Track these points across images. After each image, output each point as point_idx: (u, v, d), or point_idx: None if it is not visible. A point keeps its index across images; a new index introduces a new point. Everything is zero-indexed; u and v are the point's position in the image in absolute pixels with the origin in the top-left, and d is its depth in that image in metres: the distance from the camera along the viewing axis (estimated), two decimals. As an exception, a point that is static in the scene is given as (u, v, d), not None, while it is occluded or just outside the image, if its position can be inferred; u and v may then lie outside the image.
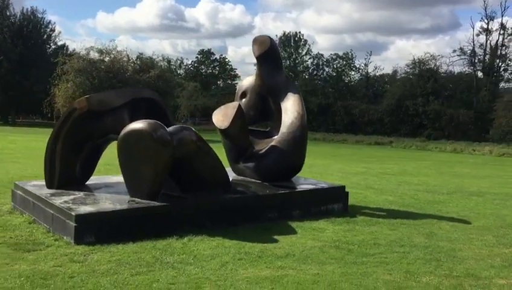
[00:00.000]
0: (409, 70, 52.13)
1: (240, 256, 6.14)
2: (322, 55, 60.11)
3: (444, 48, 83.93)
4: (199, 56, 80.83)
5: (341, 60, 59.21)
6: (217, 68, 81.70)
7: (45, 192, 7.73)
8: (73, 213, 6.50)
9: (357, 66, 58.92)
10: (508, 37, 48.49)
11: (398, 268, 5.96)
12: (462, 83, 50.69)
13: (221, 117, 9.36)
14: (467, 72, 51.11)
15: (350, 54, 59.72)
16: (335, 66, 59.46)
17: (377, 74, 58.94)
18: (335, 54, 60.04)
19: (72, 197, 7.44)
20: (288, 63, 61.92)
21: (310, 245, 6.80)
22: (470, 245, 7.25)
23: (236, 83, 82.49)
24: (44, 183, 8.43)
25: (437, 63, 50.79)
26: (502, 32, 48.44)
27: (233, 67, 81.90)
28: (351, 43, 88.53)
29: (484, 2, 48.74)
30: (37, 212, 7.47)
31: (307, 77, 60.20)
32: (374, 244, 7.04)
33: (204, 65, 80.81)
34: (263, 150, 9.53)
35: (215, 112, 9.57)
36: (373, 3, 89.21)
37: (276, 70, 9.86)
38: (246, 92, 10.25)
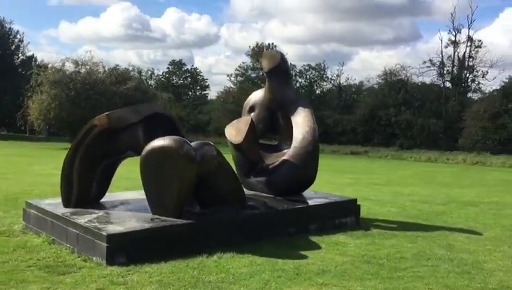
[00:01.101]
0: (380, 80, 53.16)
1: (278, 274, 6.13)
2: (294, 66, 60.60)
3: (405, 59, 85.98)
4: (170, 67, 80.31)
5: (313, 71, 59.89)
6: (189, 79, 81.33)
7: (64, 211, 7.54)
8: (104, 233, 6.37)
9: (329, 76, 59.64)
10: (475, 49, 50.09)
11: (435, 282, 6.05)
12: (431, 93, 51.93)
13: (234, 132, 9.36)
14: (436, 82, 52.45)
15: (322, 64, 60.53)
16: (308, 76, 60.07)
17: (350, 84, 59.75)
18: (307, 64, 60.75)
19: (94, 216, 7.29)
20: (261, 73, 62.13)
21: (340, 260, 6.84)
22: (490, 257, 7.42)
23: (207, 94, 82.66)
24: (57, 201, 8.26)
25: (407, 74, 51.98)
26: (469, 44, 50.02)
27: (204, 77, 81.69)
28: (316, 53, 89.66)
29: (451, 15, 50.22)
30: (57, 232, 7.27)
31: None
32: (400, 258, 7.13)
33: (175, 76, 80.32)
34: (275, 164, 9.55)
35: (227, 126, 9.59)
36: (337, 15, 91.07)
37: (286, 85, 9.94)
38: (254, 106, 10.28)
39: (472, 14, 53.65)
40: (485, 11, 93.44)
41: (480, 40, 50.29)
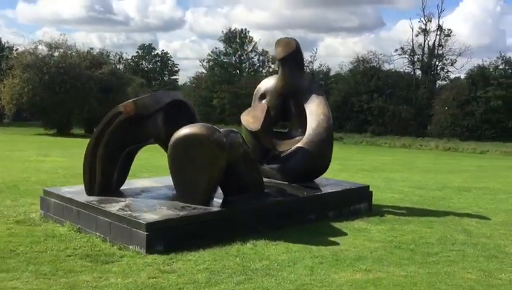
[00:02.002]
0: (352, 67, 53.71)
1: (319, 260, 6.22)
2: (267, 52, 60.54)
3: (369, 46, 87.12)
4: (139, 51, 78.97)
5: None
6: (159, 63, 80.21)
7: (89, 199, 7.42)
8: (142, 221, 6.31)
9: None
10: (445, 38, 51.17)
11: (470, 266, 6.26)
12: (402, 80, 52.85)
13: (252, 119, 9.36)
14: (406, 70, 53.42)
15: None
16: (280, 62, 60.08)
17: (324, 70, 60.04)
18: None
19: (122, 204, 7.21)
20: (233, 59, 61.95)
21: (371, 246, 6.99)
22: (508, 241, 7.70)
23: (178, 79, 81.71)
24: (76, 189, 8.16)
25: (379, 62, 52.71)
26: (438, 33, 51.07)
27: (175, 62, 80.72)
28: (268, 39, 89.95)
29: (422, 3, 51.18)
30: (84, 220, 7.15)
31: (253, 73, 60.40)
32: (426, 243, 7.33)
33: (145, 60, 79.06)
34: (289, 151, 9.60)
35: (243, 113, 9.59)
36: (303, 1, 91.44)
37: (299, 72, 9.96)
38: (265, 93, 10.26)
39: (442, 3, 54.69)
40: (447, 0, 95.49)
41: (449, 29, 51.42)
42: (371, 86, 50.03)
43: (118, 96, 37.57)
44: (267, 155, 9.80)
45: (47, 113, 33.67)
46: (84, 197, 7.55)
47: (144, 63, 79.57)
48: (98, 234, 6.87)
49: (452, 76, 52.48)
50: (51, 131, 35.74)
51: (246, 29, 62.22)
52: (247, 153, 8.02)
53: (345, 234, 7.69)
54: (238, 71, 61.79)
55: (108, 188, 7.82)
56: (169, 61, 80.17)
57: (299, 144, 9.52)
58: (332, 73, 59.93)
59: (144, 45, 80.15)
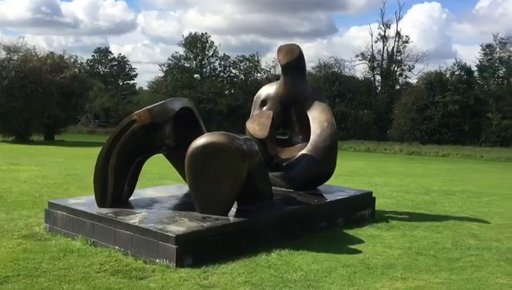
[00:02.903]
0: (314, 72, 54.35)
1: (352, 269, 6.17)
2: (228, 56, 60.52)
3: (322, 51, 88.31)
4: (95, 54, 77.29)
5: (247, 62, 60.02)
6: (115, 67, 78.69)
7: (102, 211, 7.13)
8: (171, 234, 6.10)
9: (264, 67, 60.12)
10: (403, 44, 52.61)
11: (496, 271, 6.36)
12: (362, 86, 53.94)
13: (258, 126, 9.27)
14: (367, 75, 54.55)
15: (256, 56, 60.85)
16: (242, 67, 60.14)
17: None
18: (241, 55, 60.81)
19: (139, 215, 6.96)
20: (194, 64, 61.48)
21: (394, 254, 7.01)
22: (518, 244, 7.93)
23: (136, 83, 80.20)
24: (82, 201, 7.86)
25: (340, 67, 53.61)
26: (397, 39, 52.46)
27: (132, 66, 79.41)
28: (235, 44, 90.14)
29: (381, 11, 52.43)
30: (99, 234, 6.86)
31: (214, 78, 60.16)
32: (443, 248, 7.43)
33: (101, 64, 77.39)
34: (293, 159, 9.55)
35: (248, 121, 9.50)
36: (255, 6, 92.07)
37: (301, 79, 9.93)
38: (266, 100, 10.19)
39: (400, 10, 56.33)
40: (396, 7, 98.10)
41: (407, 36, 52.89)
42: (333, 91, 50.79)
43: (81, 101, 36.68)
44: (270, 162, 9.72)
45: (5, 120, 32.32)
46: (96, 209, 7.25)
47: (99, 67, 77.93)
48: (117, 247, 6.59)
49: (410, 81, 53.99)
50: (9, 138, 34.34)
51: (206, 33, 61.97)
52: (261, 161, 7.92)
53: (362, 241, 7.69)
54: (199, 76, 61.35)
55: (119, 199, 7.56)
56: (127, 65, 78.82)
57: (303, 151, 9.48)
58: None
59: (100, 48, 78.60)
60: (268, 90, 10.31)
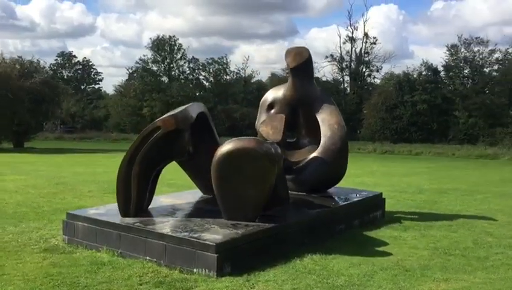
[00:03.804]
0: (284, 74, 54.59)
1: (392, 272, 6.16)
2: (197, 59, 60.09)
3: (283, 53, 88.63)
4: (59, 58, 75.55)
5: (216, 64, 59.80)
6: (79, 72, 77.12)
7: (129, 221, 6.92)
8: (210, 243, 5.97)
9: (234, 70, 60.00)
10: (371, 45, 53.47)
11: (528, 268, 6.52)
12: (332, 86, 54.52)
13: (271, 130, 9.16)
14: (336, 76, 55.19)
15: (224, 58, 60.72)
16: (211, 70, 59.85)
17: (255, 77, 60.64)
18: (211, 58, 60.49)
19: (168, 224, 6.80)
20: (162, 67, 60.76)
21: (424, 254, 7.07)
22: (533, 240, 8.12)
23: (101, 87, 78.55)
24: (101, 211, 7.62)
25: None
26: (365, 40, 53.29)
27: (98, 70, 77.97)
28: (197, 46, 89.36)
29: (349, 12, 53.15)
30: (127, 244, 6.64)
31: (183, 81, 59.63)
32: (466, 247, 7.53)
33: (65, 68, 75.68)
34: (304, 162, 9.53)
35: (261, 124, 9.38)
36: (216, 8, 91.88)
37: (310, 82, 9.93)
38: (273, 103, 10.14)
39: (366, 13, 57.14)
40: (354, 8, 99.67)
41: (375, 37, 53.76)
42: (304, 92, 51.07)
43: (52, 107, 35.70)
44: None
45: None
46: (120, 219, 7.04)
47: (63, 71, 76.21)
48: (148, 258, 6.40)
49: (378, 82, 54.91)
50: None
51: (174, 36, 61.35)
52: (282, 165, 7.87)
53: (386, 243, 7.72)
54: (168, 79, 60.69)
55: (142, 208, 7.36)
56: (92, 69, 77.35)
57: (314, 154, 9.46)
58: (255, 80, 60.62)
59: (64, 52, 76.87)
60: (275, 93, 10.26)
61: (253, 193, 6.94)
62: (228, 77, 60.49)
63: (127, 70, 66.03)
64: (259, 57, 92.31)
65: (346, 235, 8.18)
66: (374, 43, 53.20)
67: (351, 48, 53.85)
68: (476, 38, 47.29)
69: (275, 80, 58.01)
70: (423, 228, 8.80)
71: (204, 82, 60.82)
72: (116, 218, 7.09)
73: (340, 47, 53.61)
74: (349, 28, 53.68)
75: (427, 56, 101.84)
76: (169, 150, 7.36)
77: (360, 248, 7.34)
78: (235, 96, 57.44)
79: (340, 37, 53.75)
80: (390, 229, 8.66)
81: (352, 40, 53.57)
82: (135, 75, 65.05)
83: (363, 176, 19.01)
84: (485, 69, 47.54)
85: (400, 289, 5.58)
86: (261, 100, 10.50)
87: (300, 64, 9.58)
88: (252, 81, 61.72)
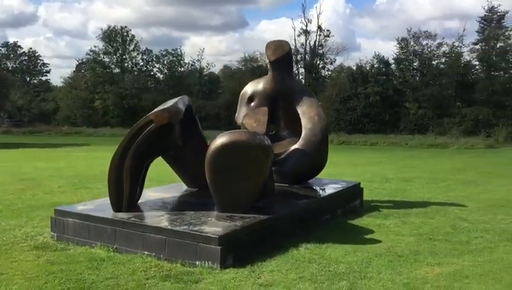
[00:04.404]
0: (240, 66, 54.71)
1: (387, 258, 6.41)
2: (151, 51, 59.08)
3: (234, 45, 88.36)
4: (3, 49, 72.35)
5: (170, 56, 59.00)
6: (25, 63, 74.22)
7: (122, 216, 6.86)
8: (213, 235, 6.02)
9: (189, 62, 59.35)
10: (324, 38, 54.19)
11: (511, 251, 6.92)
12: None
13: (254, 123, 9.24)
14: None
15: (179, 50, 59.96)
16: (165, 62, 59.00)
17: (210, 68, 60.22)
18: (164, 50, 59.56)
19: (163, 218, 6.81)
20: (115, 58, 59.36)
21: (410, 240, 7.37)
22: (508, 225, 8.58)
23: (49, 79, 75.84)
24: (91, 207, 7.50)
25: (266, 60, 54.22)
26: (319, 33, 53.98)
27: (45, 62, 75.28)
28: (145, 37, 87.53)
29: (303, 5, 53.69)
30: (123, 240, 6.59)
31: (136, 73, 58.51)
32: (449, 233, 7.90)
33: (9, 59, 72.61)
34: (286, 154, 9.68)
35: (244, 117, 9.43)
36: None
37: (289, 75, 10.09)
38: (252, 96, 10.23)
39: (320, 6, 57.90)
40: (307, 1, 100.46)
41: (328, 30, 54.51)
42: (259, 85, 51.31)
43: (0, 100, 34.31)
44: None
45: None
46: (112, 214, 6.97)
47: (7, 62, 73.14)
48: (146, 253, 6.38)
49: (332, 74, 55.76)
50: None
51: (126, 27, 59.96)
52: (272, 157, 7.98)
53: (372, 231, 7.99)
54: (120, 71, 59.39)
55: (133, 202, 7.31)
56: (39, 60, 74.64)
57: (295, 146, 9.64)
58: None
59: (8, 42, 73.74)
60: (254, 86, 10.35)
61: (247, 185, 7.03)
62: (183, 69, 59.79)
63: (77, 61, 64.07)
64: (210, 49, 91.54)
65: (332, 224, 8.41)
66: (328, 36, 53.97)
67: (305, 41, 54.43)
68: (425, 32, 48.88)
69: (228, 72, 58.16)
70: (402, 215, 9.15)
71: (158, 74, 59.92)
72: (109, 213, 7.01)
73: (295, 40, 54.05)
74: (303, 20, 54.16)
75: (373, 49, 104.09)
76: (161, 143, 7.33)
77: (349, 236, 7.58)
78: (191, 89, 56.87)
79: (294, 29, 54.20)
80: (371, 218, 8.96)
81: (306, 32, 54.12)
82: (83, 66, 63.29)
83: (329, 167, 19.28)
84: (433, 62, 49.16)
85: (399, 274, 5.81)
86: (241, 93, 10.57)
87: (281, 58, 9.70)
88: (204, 73, 61.30)
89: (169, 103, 7.65)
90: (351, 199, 9.62)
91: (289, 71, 10.08)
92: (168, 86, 56.32)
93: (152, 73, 59.79)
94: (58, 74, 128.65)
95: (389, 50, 70.76)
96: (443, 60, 48.48)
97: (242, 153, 6.89)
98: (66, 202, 10.15)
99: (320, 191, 9.16)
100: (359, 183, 10.41)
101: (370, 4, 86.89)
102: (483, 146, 33.52)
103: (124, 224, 6.64)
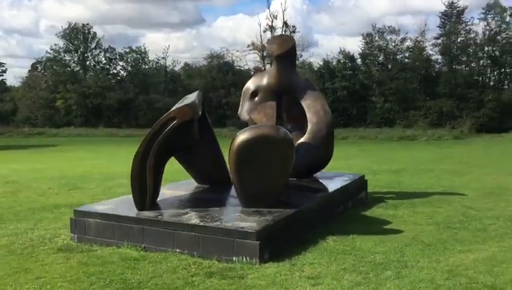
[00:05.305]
0: (206, 63, 54.30)
1: (417, 247, 6.52)
2: (114, 49, 57.89)
3: (192, 42, 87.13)
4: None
5: (134, 54, 58.01)
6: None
7: (148, 214, 6.72)
8: (250, 230, 5.98)
9: (154, 60, 58.46)
10: (290, 34, 54.40)
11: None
12: (254, 75, 55.06)
13: (264, 117, 9.28)
14: (258, 65, 55.65)
15: (143, 47, 59.01)
16: (129, 60, 57.96)
17: (175, 68, 59.49)
18: (128, 47, 58.49)
19: (191, 215, 6.69)
20: (76, 57, 57.92)
21: (431, 229, 7.52)
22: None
23: (5, 79, 73.14)
24: (110, 206, 7.32)
25: (232, 57, 54.14)
26: (285, 29, 54.20)
27: (1, 62, 72.61)
28: (100, 35, 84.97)
29: (268, 1, 53.72)
30: (152, 238, 6.46)
31: (99, 71, 57.26)
32: (462, 221, 8.07)
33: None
34: (293, 148, 9.68)
35: (253, 112, 9.42)
36: None
37: (293, 69, 10.08)
38: (256, 91, 10.18)
39: (285, 2, 58.13)
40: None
41: (294, 26, 54.86)
42: (227, 81, 51.17)
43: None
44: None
45: None
46: (135, 213, 6.82)
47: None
48: (178, 250, 6.28)
49: (300, 71, 56.10)
50: None
51: (88, 24, 58.63)
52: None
53: (389, 221, 8.10)
54: (82, 69, 58.01)
55: (154, 200, 7.18)
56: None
57: (302, 140, 9.64)
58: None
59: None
60: (257, 81, 10.30)
61: (272, 179, 7.01)
62: (147, 67, 58.87)
63: (38, 60, 62.10)
64: (165, 46, 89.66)
65: (345, 216, 8.49)
66: (293, 32, 54.27)
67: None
68: (389, 27, 49.85)
69: (190, 70, 57.72)
70: (410, 206, 9.32)
71: (122, 72, 58.82)
72: (132, 212, 6.87)
73: (261, 36, 54.16)
74: (268, 16, 54.28)
75: (330, 45, 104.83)
76: (183, 140, 7.22)
77: (370, 227, 7.66)
78: (157, 87, 56.13)
79: (260, 26, 54.31)
80: (381, 209, 9.09)
81: (271, 28, 54.27)
82: (38, 66, 61.55)
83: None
84: (397, 56, 50.18)
85: (437, 262, 5.92)
86: (243, 88, 10.51)
87: (285, 52, 9.69)
88: (171, 71, 60.48)
89: (189, 99, 7.54)
90: (359, 191, 9.73)
91: (293, 66, 10.08)
92: (133, 84, 55.38)
93: (115, 71, 58.63)
94: (12, 74, 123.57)
95: (346, 46, 71.73)
96: (407, 54, 49.50)
97: (267, 147, 6.86)
98: (64, 203, 9.93)
99: (330, 184, 9.20)
100: (363, 175, 10.53)
101: (326, 1, 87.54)
102: (451, 137, 34.55)
103: (153, 222, 6.50)
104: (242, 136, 6.91)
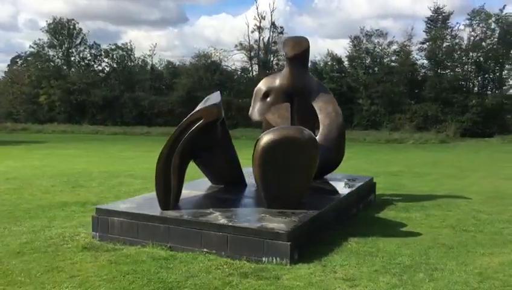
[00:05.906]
0: (194, 62, 54.04)
1: (441, 250, 6.62)
2: (99, 45, 57.24)
3: (174, 40, 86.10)
4: None
5: (120, 51, 57.45)
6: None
7: (173, 214, 6.70)
8: (281, 231, 6.01)
9: (141, 57, 57.99)
10: (278, 35, 54.57)
11: (543, 239, 7.33)
12: (242, 75, 55.02)
13: (279, 119, 9.31)
14: (245, 65, 55.68)
15: (129, 44, 58.43)
16: (114, 56, 57.38)
17: (161, 67, 59.12)
18: (114, 44, 57.86)
19: (216, 215, 6.68)
20: (60, 52, 57.13)
21: (449, 233, 7.62)
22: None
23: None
24: (132, 205, 7.28)
25: (220, 57, 54.01)
26: (273, 30, 54.35)
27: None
28: (84, 31, 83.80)
29: (256, 2, 53.74)
30: (178, 238, 6.44)
31: (84, 68, 56.59)
32: (474, 224, 8.23)
33: None
34: (305, 150, 9.73)
35: (268, 113, 9.44)
36: None
37: (306, 71, 10.13)
38: (269, 92, 10.18)
39: (274, 3, 58.26)
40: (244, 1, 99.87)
41: (281, 27, 54.99)
42: (214, 80, 51.05)
43: None
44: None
45: None
46: (159, 212, 6.80)
47: None
48: (205, 250, 6.27)
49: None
50: None
51: (73, 19, 57.86)
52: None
53: (405, 224, 8.20)
54: (66, 65, 57.25)
55: (178, 200, 7.16)
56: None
57: (314, 141, 9.70)
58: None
59: None
60: (269, 82, 10.31)
61: (297, 181, 7.05)
62: (133, 64, 58.36)
63: (19, 54, 61.10)
64: (149, 44, 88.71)
65: (359, 218, 8.56)
66: (281, 33, 54.38)
67: (259, 38, 54.62)
68: (376, 30, 50.27)
69: (175, 68, 57.45)
70: (421, 209, 9.44)
71: (107, 68, 58.19)
72: (156, 211, 6.83)
73: (249, 36, 54.18)
74: (256, 17, 54.31)
75: (313, 47, 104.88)
76: (206, 140, 7.22)
77: (387, 229, 7.75)
78: (143, 84, 55.70)
79: (248, 26, 54.29)
80: (393, 211, 9.20)
81: (259, 29, 54.32)
82: (18, 60, 60.61)
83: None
84: (384, 60, 50.65)
85: (465, 264, 6.02)
86: (255, 89, 10.53)
87: (299, 54, 9.73)
88: (158, 68, 60.00)
89: (213, 99, 7.53)
90: (369, 193, 9.82)
91: (306, 68, 10.12)
92: (119, 81, 54.87)
93: (100, 68, 57.99)
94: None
95: (329, 48, 72.02)
96: (393, 58, 50.00)
97: (293, 148, 6.90)
98: (72, 201, 9.85)
99: (343, 186, 9.28)
100: (372, 178, 10.63)
101: (309, 2, 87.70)
102: (437, 141, 34.98)
103: (180, 222, 6.48)
104: (267, 137, 6.94)
